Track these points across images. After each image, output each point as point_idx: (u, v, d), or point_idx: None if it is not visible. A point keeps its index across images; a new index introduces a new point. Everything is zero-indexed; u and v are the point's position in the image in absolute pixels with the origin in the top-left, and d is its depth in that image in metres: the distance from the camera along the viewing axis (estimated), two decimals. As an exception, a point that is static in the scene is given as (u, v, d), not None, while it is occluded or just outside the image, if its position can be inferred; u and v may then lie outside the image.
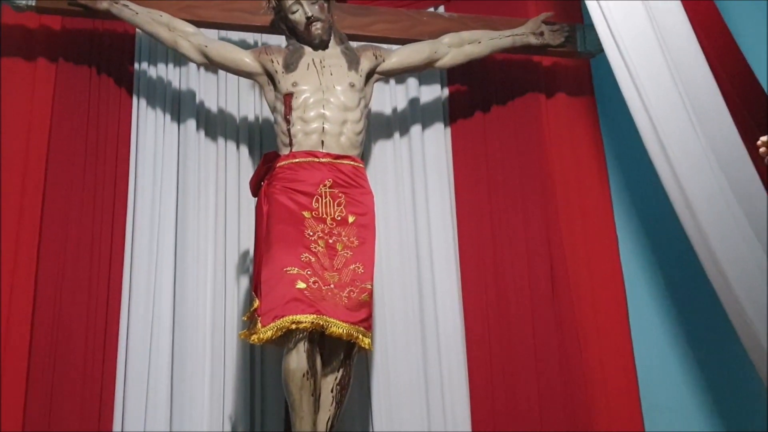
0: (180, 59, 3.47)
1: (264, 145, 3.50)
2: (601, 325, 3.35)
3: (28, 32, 3.37)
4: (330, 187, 3.01)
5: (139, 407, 3.11)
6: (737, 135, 2.76)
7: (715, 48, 2.86)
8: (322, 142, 3.04)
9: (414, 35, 3.42)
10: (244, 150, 3.50)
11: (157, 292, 3.24)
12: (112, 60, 3.46)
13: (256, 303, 2.85)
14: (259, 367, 3.26)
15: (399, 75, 3.46)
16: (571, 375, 3.27)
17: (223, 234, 3.37)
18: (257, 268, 2.94)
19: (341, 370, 2.90)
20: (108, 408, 3.10)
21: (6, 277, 3.07)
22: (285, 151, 3.07)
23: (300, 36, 3.17)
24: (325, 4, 3.17)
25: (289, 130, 3.06)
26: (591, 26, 3.41)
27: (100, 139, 3.35)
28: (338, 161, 3.04)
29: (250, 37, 3.58)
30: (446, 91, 3.67)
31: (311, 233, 2.93)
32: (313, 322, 2.76)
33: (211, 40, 3.25)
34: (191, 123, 3.44)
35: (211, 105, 3.52)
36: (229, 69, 3.25)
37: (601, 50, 3.40)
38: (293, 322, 2.75)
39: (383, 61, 3.23)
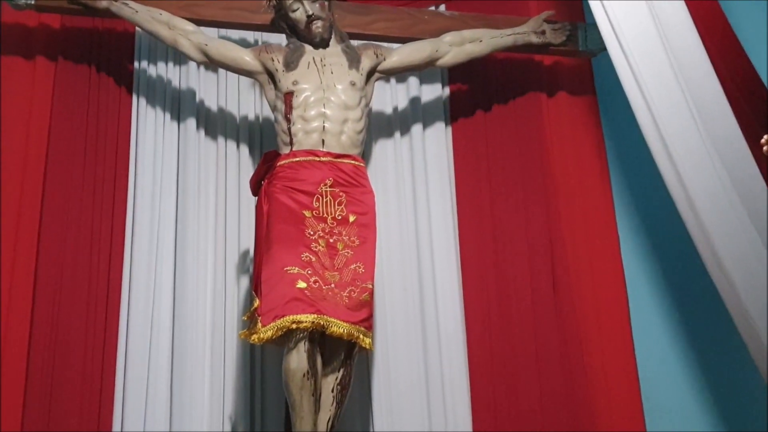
0: (180, 58, 3.45)
1: (264, 144, 3.49)
2: (602, 324, 3.35)
3: (27, 31, 3.35)
4: (331, 186, 3.00)
5: (139, 407, 3.10)
6: (740, 133, 2.74)
7: (717, 46, 2.84)
8: (323, 141, 3.03)
9: (415, 34, 3.40)
10: (245, 149, 3.49)
11: (156, 291, 3.23)
12: (112, 59, 3.44)
13: (257, 302, 2.84)
14: (260, 367, 3.25)
15: (400, 74, 3.45)
16: (573, 375, 3.26)
17: (223, 233, 3.36)
18: (257, 267, 2.93)
19: (342, 370, 2.89)
20: (107, 408, 3.09)
21: (5, 276, 3.05)
22: (285, 150, 3.06)
23: (300, 34, 3.16)
24: (326, 3, 3.16)
25: (289, 129, 3.05)
26: (592, 25, 3.41)
27: (99, 138, 3.33)
28: (339, 160, 3.03)
29: (250, 35, 3.57)
30: (447, 90, 3.66)
31: (312, 232, 2.92)
32: (313, 322, 2.74)
33: (211, 38, 3.24)
34: (191, 122, 3.43)
35: (211, 104, 3.51)
36: (229, 67, 3.24)
37: (603, 49, 3.39)
38: (294, 322, 2.74)
39: (384, 59, 3.22)
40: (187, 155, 3.39)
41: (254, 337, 2.78)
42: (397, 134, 3.57)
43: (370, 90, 3.21)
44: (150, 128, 3.41)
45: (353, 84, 3.10)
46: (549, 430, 3.20)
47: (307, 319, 2.74)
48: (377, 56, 3.21)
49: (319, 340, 2.83)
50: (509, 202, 3.48)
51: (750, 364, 2.93)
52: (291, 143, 3.05)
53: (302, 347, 2.76)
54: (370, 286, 2.89)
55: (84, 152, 3.30)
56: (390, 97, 3.62)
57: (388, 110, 3.61)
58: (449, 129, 3.62)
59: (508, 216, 3.46)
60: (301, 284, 2.80)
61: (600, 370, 3.29)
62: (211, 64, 3.26)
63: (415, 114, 3.59)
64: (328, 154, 3.02)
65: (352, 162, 3.06)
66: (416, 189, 3.49)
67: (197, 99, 3.47)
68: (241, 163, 3.46)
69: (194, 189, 3.36)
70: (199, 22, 3.26)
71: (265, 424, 3.21)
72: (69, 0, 3.22)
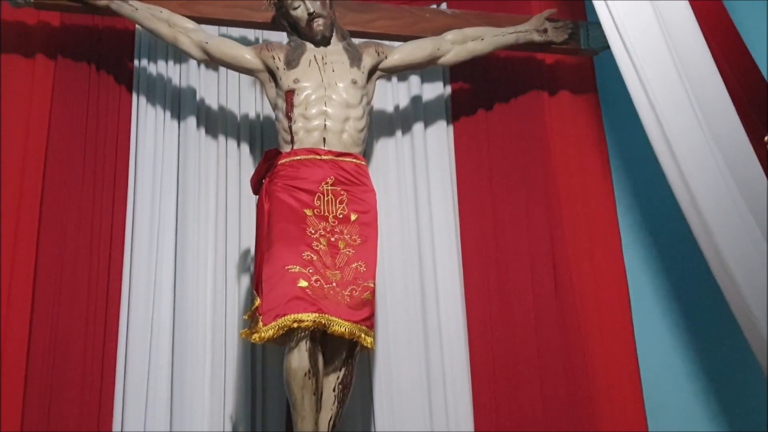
0: (180, 56, 3.44)
1: (265, 142, 3.48)
2: (604, 324, 3.34)
3: (26, 28, 3.34)
4: (332, 185, 2.98)
5: (139, 407, 3.09)
6: (743, 132, 2.74)
7: (720, 44, 2.84)
8: (324, 139, 3.01)
9: (416, 32, 3.39)
10: (245, 147, 3.48)
11: (157, 290, 3.21)
12: (112, 57, 3.42)
13: (257, 301, 2.82)
14: (261, 366, 3.24)
15: (401, 72, 3.43)
16: (574, 374, 3.25)
17: (223, 232, 3.34)
18: (258, 266, 2.92)
19: (343, 369, 2.87)
20: (108, 408, 3.07)
21: (5, 275, 3.04)
22: (286, 149, 3.04)
23: (301, 32, 3.15)
24: (327, 1, 3.14)
25: (290, 127, 3.04)
26: (594, 23, 3.42)
27: (99, 136, 3.32)
28: (340, 159, 3.02)
29: (251, 33, 3.56)
30: (449, 89, 3.65)
31: (313, 231, 2.90)
32: (315, 321, 2.73)
33: (211, 36, 3.23)
34: (191, 120, 3.41)
35: (212, 102, 3.49)
36: (229, 65, 3.23)
37: (605, 47, 3.39)
38: (295, 321, 2.72)
39: (385, 57, 3.21)
40: (187, 154, 3.38)
41: (255, 336, 2.77)
42: (399, 133, 3.56)
43: (372, 88, 3.19)
44: (150, 127, 3.39)
45: (355, 82, 3.09)
46: (551, 429, 3.19)
47: (308, 318, 2.73)
48: (379, 54, 3.20)
49: (321, 339, 2.82)
50: (511, 201, 3.47)
51: (752, 363, 2.93)
52: (292, 141, 3.03)
53: (303, 346, 2.74)
54: (372, 285, 2.88)
55: (84, 151, 3.29)
56: (391, 95, 3.60)
57: (390, 109, 3.60)
58: (451, 127, 3.61)
59: (509, 215, 3.45)
60: (303, 283, 2.78)
61: (602, 370, 3.28)
62: (212, 62, 3.24)
63: (417, 112, 3.57)
64: (330, 152, 3.01)
65: (354, 160, 3.04)
66: (417, 188, 3.48)
67: (197, 97, 3.45)
68: (241, 161, 3.45)
69: (194, 188, 3.35)
70: (199, 20, 3.24)
71: (267, 424, 3.19)
72: (68, -3, 3.22)
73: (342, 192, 2.98)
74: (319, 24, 3.11)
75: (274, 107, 3.14)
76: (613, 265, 3.41)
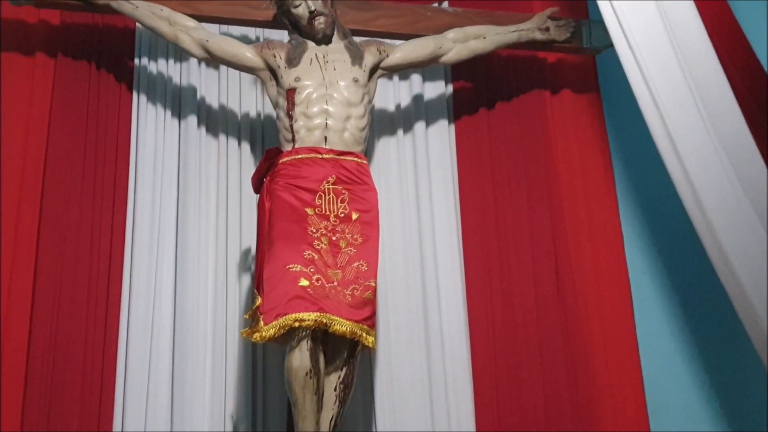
0: (181, 54, 3.43)
1: (266, 141, 3.47)
2: (606, 323, 3.34)
3: (26, 27, 3.32)
4: (333, 184, 2.97)
5: (140, 407, 3.08)
6: (747, 131, 2.73)
7: (724, 42, 2.83)
8: (326, 138, 3.00)
9: (418, 30, 3.39)
10: (246, 146, 3.47)
11: (157, 290, 3.20)
12: (112, 55, 3.41)
13: (258, 301, 2.81)
14: (261, 365, 3.22)
15: (403, 71, 3.42)
16: (576, 374, 3.25)
17: (224, 231, 3.33)
18: (259, 265, 2.90)
19: (344, 369, 2.86)
20: (108, 408, 3.06)
21: (5, 274, 3.02)
22: (287, 147, 3.03)
23: (303, 31, 3.14)
24: (329, -1, 3.14)
25: (291, 125, 3.03)
26: (597, 22, 3.41)
27: (99, 135, 3.31)
28: (341, 157, 3.01)
29: (251, 31, 3.55)
30: (450, 88, 3.64)
31: (314, 230, 2.89)
32: (316, 320, 2.72)
33: (212, 34, 3.22)
34: (192, 119, 3.40)
35: (213, 101, 3.48)
36: (230, 64, 3.21)
37: (607, 46, 3.39)
38: (296, 320, 2.71)
39: (387, 56, 3.20)
40: (188, 153, 3.37)
41: (256, 335, 2.76)
42: (400, 132, 3.55)
43: (373, 87, 3.19)
44: (150, 126, 3.38)
45: (356, 80, 3.08)
46: (552, 429, 3.18)
47: (309, 317, 2.72)
48: (380, 53, 3.19)
49: (322, 338, 2.81)
50: (512, 200, 3.46)
51: (755, 362, 2.92)
52: (293, 140, 3.02)
53: (305, 346, 2.73)
54: (373, 284, 2.86)
55: (84, 150, 3.27)
56: (393, 94, 3.59)
57: (391, 108, 3.59)
58: (452, 126, 3.60)
59: (511, 214, 3.44)
60: (304, 282, 2.77)
61: (603, 370, 3.28)
62: (213, 60, 3.23)
63: (418, 111, 3.56)
64: (331, 151, 3.00)
65: (355, 159, 3.03)
66: (419, 187, 3.47)
67: (198, 96, 3.44)
68: (242, 160, 3.43)
69: (195, 187, 3.34)
70: (200, 18, 3.23)
71: (267, 424, 3.18)
72: (69, -4, 3.21)
73: (343, 191, 2.97)
74: (320, 22, 3.10)
75: (275, 106, 3.13)
76: (615, 264, 3.41)
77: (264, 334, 2.73)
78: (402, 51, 3.24)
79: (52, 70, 3.30)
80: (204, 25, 3.23)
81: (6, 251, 3.06)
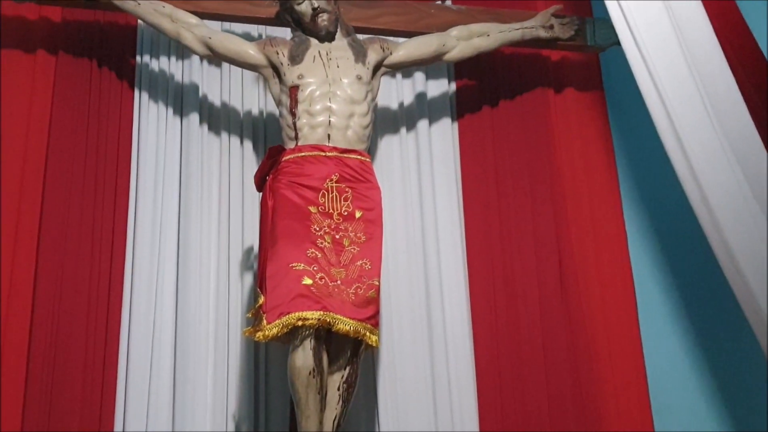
0: (183, 51, 3.42)
1: (268, 139, 3.45)
2: (610, 323, 3.33)
3: (27, 24, 3.30)
4: (336, 182, 2.96)
5: (141, 406, 3.06)
6: (754, 128, 2.73)
7: (731, 40, 2.83)
8: (329, 135, 2.99)
9: (421, 28, 3.37)
10: (248, 144, 3.45)
11: (159, 289, 3.18)
12: (114, 52, 3.39)
13: (261, 299, 2.79)
14: (264, 365, 3.21)
15: (406, 68, 3.41)
16: (580, 373, 3.25)
17: (226, 229, 3.31)
18: (262, 264, 2.89)
19: (348, 368, 2.85)
20: (109, 407, 3.04)
21: (5, 272, 3.00)
22: (290, 145, 3.02)
23: (306, 28, 3.12)
24: (332, -3, 3.13)
25: (294, 123, 3.01)
26: (601, 20, 3.42)
27: (101, 133, 3.29)
28: (345, 155, 2.99)
29: (254, 29, 3.52)
30: (453, 86, 3.63)
31: (317, 228, 2.88)
32: (319, 319, 2.70)
33: (214, 31, 3.20)
34: (194, 117, 3.38)
35: (215, 98, 3.46)
36: (233, 61, 3.20)
37: (611, 44, 3.39)
38: (299, 319, 2.69)
39: (390, 53, 3.18)
40: (189, 150, 3.35)
41: (259, 334, 2.74)
42: (403, 130, 3.54)
43: (377, 84, 3.17)
44: (152, 123, 3.36)
45: (359, 78, 3.06)
46: (556, 429, 3.18)
47: (313, 316, 2.70)
48: (383, 50, 3.17)
49: (325, 337, 2.79)
50: (516, 199, 3.45)
51: (760, 363, 2.91)
52: (296, 138, 3.01)
53: (308, 345, 2.71)
54: (377, 283, 2.85)
55: (85, 147, 3.25)
56: (396, 92, 3.58)
57: (394, 106, 3.57)
58: (455, 125, 3.59)
59: (514, 212, 3.44)
60: (307, 281, 2.75)
61: (608, 370, 3.27)
62: (215, 57, 3.21)
63: (421, 110, 3.55)
64: (334, 149, 2.98)
65: (358, 157, 3.02)
66: (422, 185, 3.46)
67: (200, 93, 3.43)
68: (244, 158, 3.41)
69: (197, 185, 3.32)
70: (202, 15, 3.22)
71: (270, 423, 3.16)
72: (70, -8, 3.19)
73: (347, 189, 2.96)
74: (323, 19, 3.08)
75: (278, 103, 3.11)
76: (618, 263, 3.40)
77: (267, 332, 2.71)
78: (405, 48, 3.22)
79: (53, 68, 3.28)
80: (206, 22, 3.21)
81: (6, 249, 3.04)
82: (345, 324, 2.73)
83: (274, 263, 2.80)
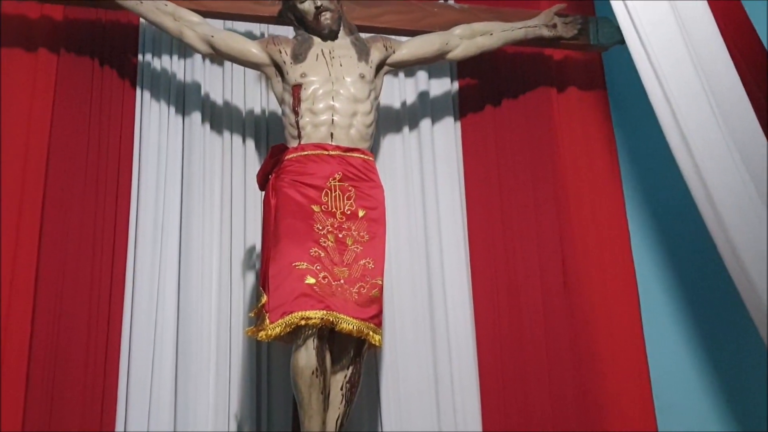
0: (185, 50, 3.40)
1: (270, 137, 3.44)
2: (613, 322, 3.32)
3: (29, 22, 3.29)
4: (339, 181, 2.94)
5: (143, 406, 3.04)
6: (759, 128, 2.72)
7: (736, 39, 2.83)
8: (332, 134, 2.98)
9: (424, 27, 3.36)
10: (251, 143, 3.44)
11: (161, 287, 3.17)
12: (115, 51, 3.38)
13: (264, 299, 2.78)
14: (267, 364, 3.19)
15: (409, 67, 3.41)
16: (583, 374, 3.24)
17: (228, 229, 3.30)
18: (265, 263, 2.88)
19: (351, 368, 2.84)
20: (110, 407, 3.03)
21: (6, 271, 2.99)
22: (293, 144, 3.01)
23: (309, 26, 3.11)
24: (335, -5, 3.12)
25: (297, 122, 3.00)
26: (604, 19, 3.41)
27: (102, 132, 3.27)
28: (348, 154, 2.98)
29: (256, 27, 3.52)
30: (456, 85, 3.63)
31: (320, 227, 2.87)
32: (322, 318, 2.69)
33: (217, 30, 3.18)
34: (196, 115, 3.37)
35: (217, 97, 3.45)
36: (235, 60, 3.18)
37: (614, 43, 3.39)
38: (302, 318, 2.68)
39: (393, 52, 3.18)
40: (192, 149, 3.33)
41: (262, 334, 2.73)
42: (406, 129, 3.53)
43: (380, 83, 3.16)
44: (154, 122, 3.35)
45: (363, 76, 3.05)
46: (559, 429, 3.17)
47: (316, 315, 2.69)
48: (387, 49, 3.16)
49: (328, 337, 2.78)
50: (519, 198, 3.45)
51: (763, 362, 2.91)
52: (299, 137, 3.00)
53: (311, 344, 2.70)
54: (380, 282, 2.84)
55: (87, 146, 3.24)
56: (399, 91, 3.57)
57: (397, 105, 3.57)
58: (458, 124, 3.59)
59: (517, 212, 3.44)
60: (310, 280, 2.74)
61: (611, 369, 3.26)
62: (217, 56, 3.20)
63: (424, 109, 3.55)
64: (337, 147, 2.97)
65: (362, 156, 3.01)
66: (425, 184, 3.45)
67: (202, 92, 3.41)
68: (247, 157, 3.40)
69: (199, 184, 3.31)
70: (204, 14, 3.20)
71: (272, 423, 3.15)
72: (71, -10, 3.18)
73: (350, 188, 2.95)
74: (326, 18, 3.07)
75: (281, 102, 3.10)
76: (622, 262, 3.39)
77: (270, 332, 2.70)
78: (408, 47, 3.21)
79: (54, 66, 3.26)
80: (209, 20, 3.20)
81: (7, 248, 3.02)
82: (348, 323, 2.72)
83: (277, 262, 2.79)
